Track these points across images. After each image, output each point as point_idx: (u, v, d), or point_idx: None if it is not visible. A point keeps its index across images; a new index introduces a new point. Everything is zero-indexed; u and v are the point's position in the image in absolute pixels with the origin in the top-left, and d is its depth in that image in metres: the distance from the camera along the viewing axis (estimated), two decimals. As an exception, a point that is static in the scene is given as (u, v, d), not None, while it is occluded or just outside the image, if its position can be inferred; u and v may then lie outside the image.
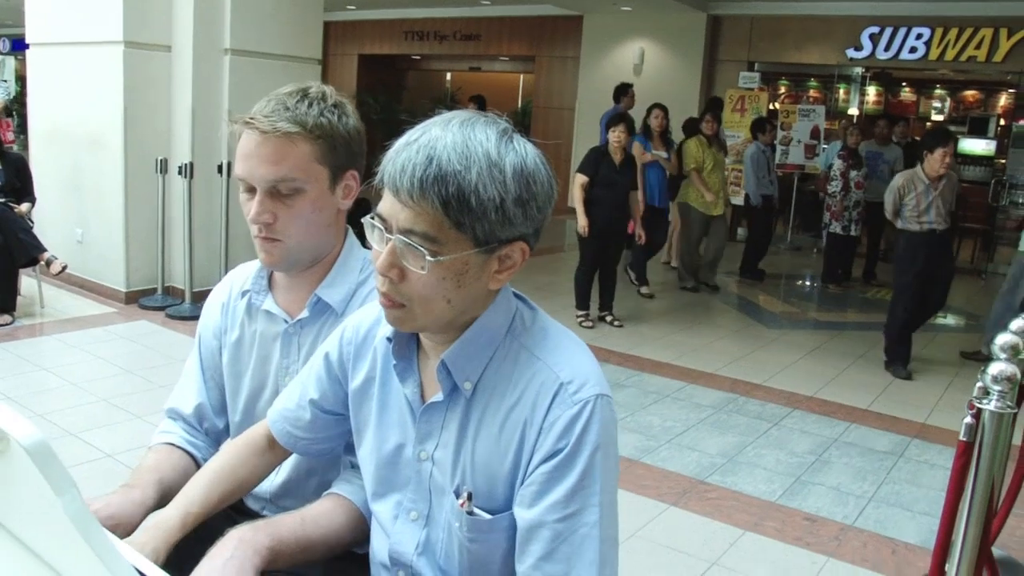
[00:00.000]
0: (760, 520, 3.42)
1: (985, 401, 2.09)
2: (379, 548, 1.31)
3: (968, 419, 2.12)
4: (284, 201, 1.41)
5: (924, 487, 3.84)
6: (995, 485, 2.17)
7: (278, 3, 6.32)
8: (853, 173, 8.20)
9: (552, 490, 1.10)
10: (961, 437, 2.15)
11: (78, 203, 6.42)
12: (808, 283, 9.05)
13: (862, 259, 9.06)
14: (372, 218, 1.11)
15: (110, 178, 6.11)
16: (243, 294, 1.61)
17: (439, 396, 1.19)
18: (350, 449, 1.43)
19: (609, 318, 6.48)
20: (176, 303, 6.09)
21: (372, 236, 1.11)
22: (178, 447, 1.57)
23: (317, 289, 1.52)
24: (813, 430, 4.51)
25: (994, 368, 2.07)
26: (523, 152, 1.09)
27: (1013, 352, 2.15)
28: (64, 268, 5.59)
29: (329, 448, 1.43)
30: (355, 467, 1.40)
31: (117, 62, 5.89)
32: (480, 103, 10.17)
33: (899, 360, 5.64)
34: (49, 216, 6.34)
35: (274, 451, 1.43)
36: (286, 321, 1.55)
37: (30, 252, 5.45)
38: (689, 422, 4.48)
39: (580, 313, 6.42)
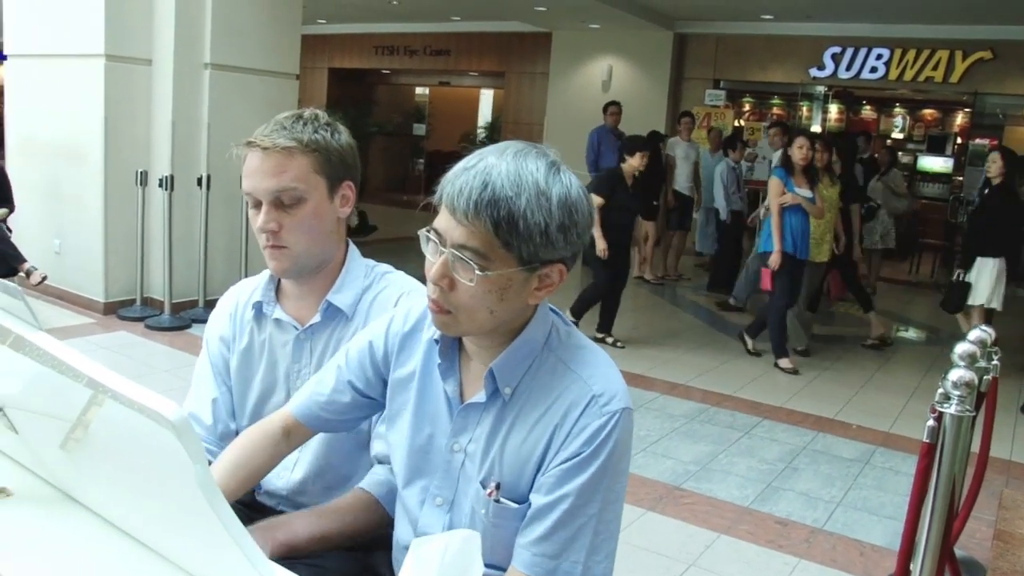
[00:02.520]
0: (734, 524, 3.56)
1: (946, 405, 2.25)
2: (403, 532, 1.42)
3: (931, 422, 2.27)
4: (287, 210, 1.55)
5: (890, 492, 4.01)
6: (956, 486, 2.32)
7: (257, 19, 6.42)
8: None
9: (565, 484, 1.23)
10: (924, 439, 2.30)
11: (56, 214, 6.44)
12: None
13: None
14: (428, 231, 1.22)
15: (90, 189, 6.14)
16: (253, 305, 1.71)
17: (480, 397, 1.31)
18: (367, 446, 1.54)
19: (610, 339, 6.38)
20: (155, 314, 6.12)
21: (426, 248, 1.23)
22: None
23: (327, 295, 1.64)
24: (782, 439, 4.67)
25: (954, 374, 2.23)
26: (568, 184, 1.21)
27: (971, 360, 2.32)
28: (44, 279, 5.62)
29: (350, 426, 1.54)
30: (380, 463, 1.51)
31: (98, 75, 5.94)
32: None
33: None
34: (27, 227, 6.35)
35: (288, 440, 1.51)
36: (296, 328, 1.66)
37: (10, 262, 5.48)
38: (663, 431, 4.63)
39: (599, 336, 6.34)
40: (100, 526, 1.10)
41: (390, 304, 1.63)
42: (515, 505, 1.28)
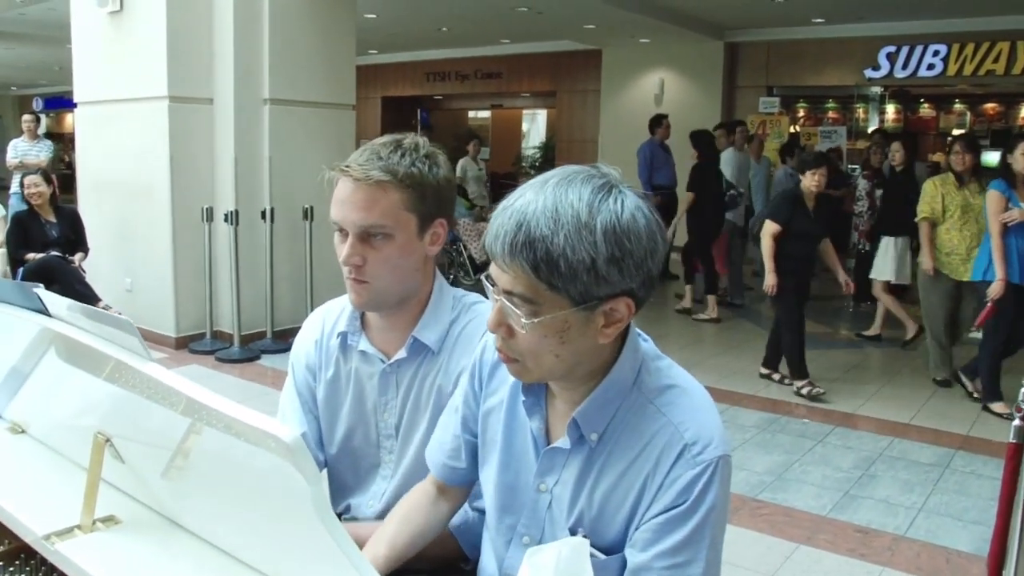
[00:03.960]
0: (813, 534, 3.51)
1: (1033, 405, 2.19)
2: (490, 566, 1.40)
3: (1017, 422, 2.22)
4: (373, 245, 1.49)
5: (973, 496, 3.91)
6: (1047, 487, 2.26)
7: (312, 53, 6.58)
8: (878, 192, 8.28)
9: (664, 539, 1.15)
10: (1011, 439, 2.24)
11: (127, 253, 6.64)
12: (840, 303, 9.10)
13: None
14: (486, 277, 1.17)
15: (158, 227, 6.32)
16: (338, 335, 1.68)
17: (564, 443, 1.23)
18: None
19: (776, 376, 5.77)
20: (225, 347, 6.26)
21: (489, 294, 1.18)
22: None
23: (414, 331, 1.59)
24: (856, 446, 4.59)
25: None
26: (617, 209, 1.09)
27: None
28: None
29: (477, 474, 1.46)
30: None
31: (163, 116, 6.13)
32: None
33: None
34: (100, 266, 6.56)
35: (445, 496, 1.47)
36: (382, 361, 1.62)
37: (86, 302, 5.64)
38: (735, 442, 4.58)
39: (801, 383, 5.47)
40: (207, 551, 1.14)
41: (477, 336, 1.55)
42: (603, 556, 1.20)
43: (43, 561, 1.22)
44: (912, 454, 4.47)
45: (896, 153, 7.03)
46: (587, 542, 0.81)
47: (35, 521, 1.20)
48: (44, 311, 1.27)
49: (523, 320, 1.11)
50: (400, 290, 1.56)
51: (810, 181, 5.35)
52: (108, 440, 1.15)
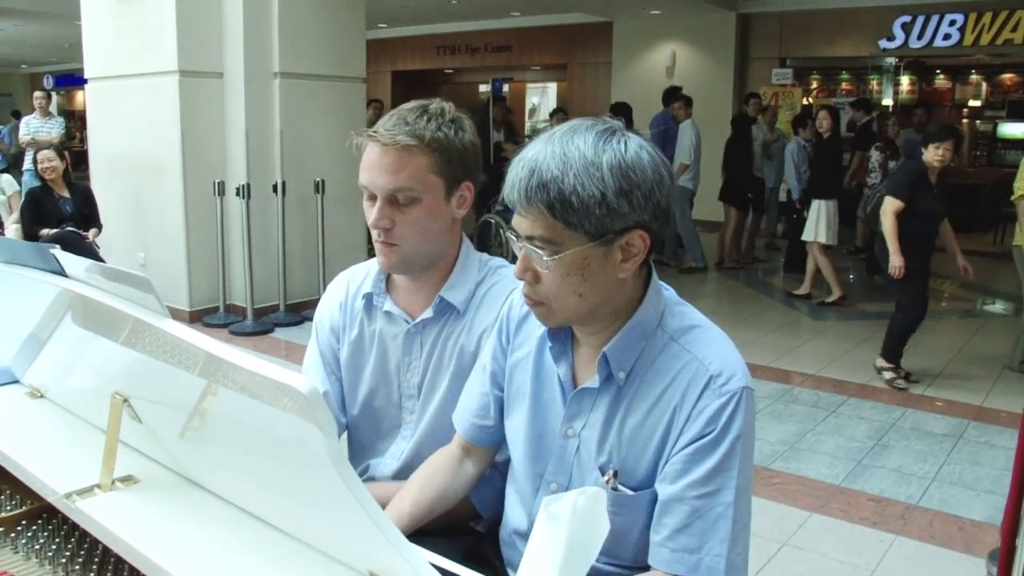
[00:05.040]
0: (826, 502, 3.52)
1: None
2: (517, 518, 1.42)
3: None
4: (401, 209, 1.51)
5: (987, 466, 3.91)
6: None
7: (322, 26, 6.55)
8: (891, 164, 8.24)
9: (694, 469, 1.19)
10: (1026, 407, 2.23)
11: (140, 228, 6.66)
12: (852, 275, 9.07)
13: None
14: (510, 231, 1.23)
15: (170, 202, 6.34)
16: (363, 296, 1.70)
17: (594, 382, 1.28)
18: None
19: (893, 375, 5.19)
20: (238, 320, 6.29)
21: (514, 247, 1.23)
22: None
23: (441, 291, 1.61)
24: (870, 416, 4.58)
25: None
26: (621, 148, 1.16)
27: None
28: (133, 291, 5.82)
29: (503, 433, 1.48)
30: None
31: (173, 91, 6.13)
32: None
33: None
34: (113, 242, 6.58)
35: (471, 456, 1.51)
36: (406, 321, 1.64)
37: (100, 277, 5.68)
38: (747, 413, 4.57)
39: (887, 366, 5.17)
40: (225, 508, 1.15)
41: (502, 297, 1.59)
42: (632, 492, 1.25)
43: (64, 520, 1.23)
44: (926, 424, 4.46)
45: (824, 120, 7.46)
46: (603, 493, 0.82)
47: (56, 481, 1.21)
48: (61, 272, 1.28)
49: (546, 259, 1.17)
50: (428, 252, 1.58)
51: (933, 155, 4.87)
52: (126, 400, 1.16)
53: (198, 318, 6.39)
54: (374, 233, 1.55)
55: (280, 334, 6.13)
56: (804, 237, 7.33)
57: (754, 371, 5.05)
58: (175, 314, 6.35)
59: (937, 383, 5.17)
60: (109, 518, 1.11)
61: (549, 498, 0.82)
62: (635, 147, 1.18)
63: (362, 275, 1.73)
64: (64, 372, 1.50)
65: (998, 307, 7.76)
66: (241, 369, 0.86)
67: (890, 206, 4.90)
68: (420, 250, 1.57)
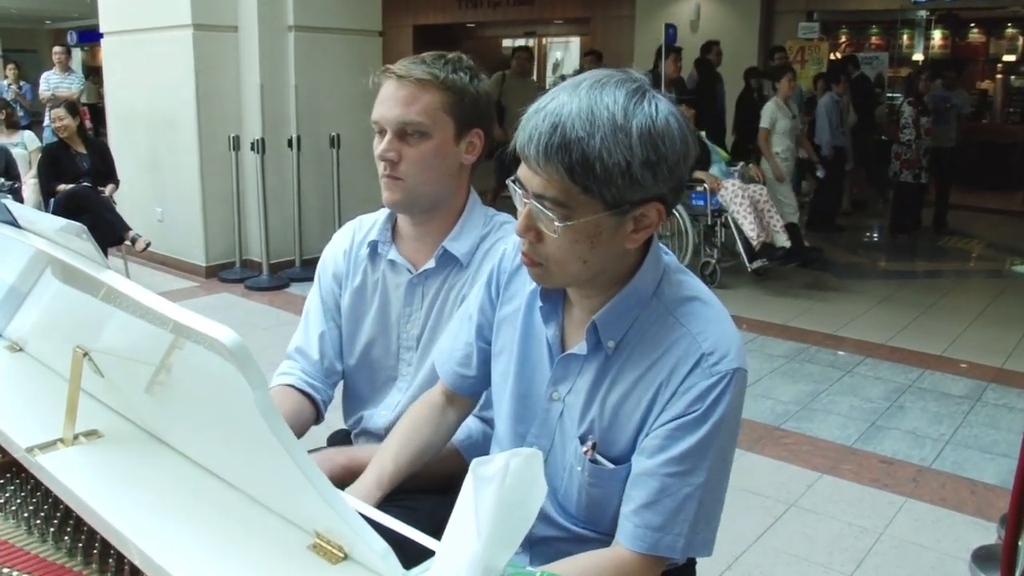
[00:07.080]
0: (836, 463, 3.47)
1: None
2: None
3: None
4: (409, 143, 1.51)
5: (1003, 430, 3.84)
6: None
7: (337, -23, 6.46)
8: (923, 120, 8.06)
9: (672, 447, 1.14)
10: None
11: (157, 183, 6.67)
12: (877, 234, 8.93)
13: (929, 207, 8.88)
14: (514, 181, 1.14)
15: (186, 157, 6.33)
16: (368, 244, 1.69)
17: (581, 348, 1.22)
18: None
19: None
20: (254, 275, 6.30)
21: (515, 198, 1.15)
22: (296, 388, 1.66)
23: (444, 241, 1.60)
24: (886, 376, 4.52)
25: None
26: (652, 113, 1.07)
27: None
28: (148, 245, 5.83)
29: (488, 384, 1.45)
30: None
31: (187, 45, 6.09)
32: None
33: None
34: (130, 197, 6.59)
35: (454, 405, 1.47)
36: (409, 271, 1.64)
37: (116, 231, 5.69)
38: (762, 371, 4.53)
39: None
40: (185, 465, 1.13)
41: None
42: (611, 466, 1.21)
43: (31, 475, 1.22)
44: (943, 386, 4.39)
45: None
46: (539, 454, 0.78)
47: (20, 435, 1.19)
48: (14, 223, 1.25)
49: (556, 223, 1.09)
50: (432, 192, 1.57)
51: None
52: (86, 354, 1.14)
53: (214, 273, 6.41)
54: (380, 167, 1.55)
55: (296, 289, 6.12)
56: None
57: (769, 330, 5.00)
58: (192, 269, 6.42)
59: (957, 344, 5.08)
60: (67, 473, 1.09)
61: (478, 460, 0.77)
62: (665, 112, 1.09)
63: (369, 224, 1.73)
64: (37, 326, 1.48)
65: (1022, 268, 7.59)
66: (172, 321, 0.83)
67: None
68: (424, 188, 1.56)
